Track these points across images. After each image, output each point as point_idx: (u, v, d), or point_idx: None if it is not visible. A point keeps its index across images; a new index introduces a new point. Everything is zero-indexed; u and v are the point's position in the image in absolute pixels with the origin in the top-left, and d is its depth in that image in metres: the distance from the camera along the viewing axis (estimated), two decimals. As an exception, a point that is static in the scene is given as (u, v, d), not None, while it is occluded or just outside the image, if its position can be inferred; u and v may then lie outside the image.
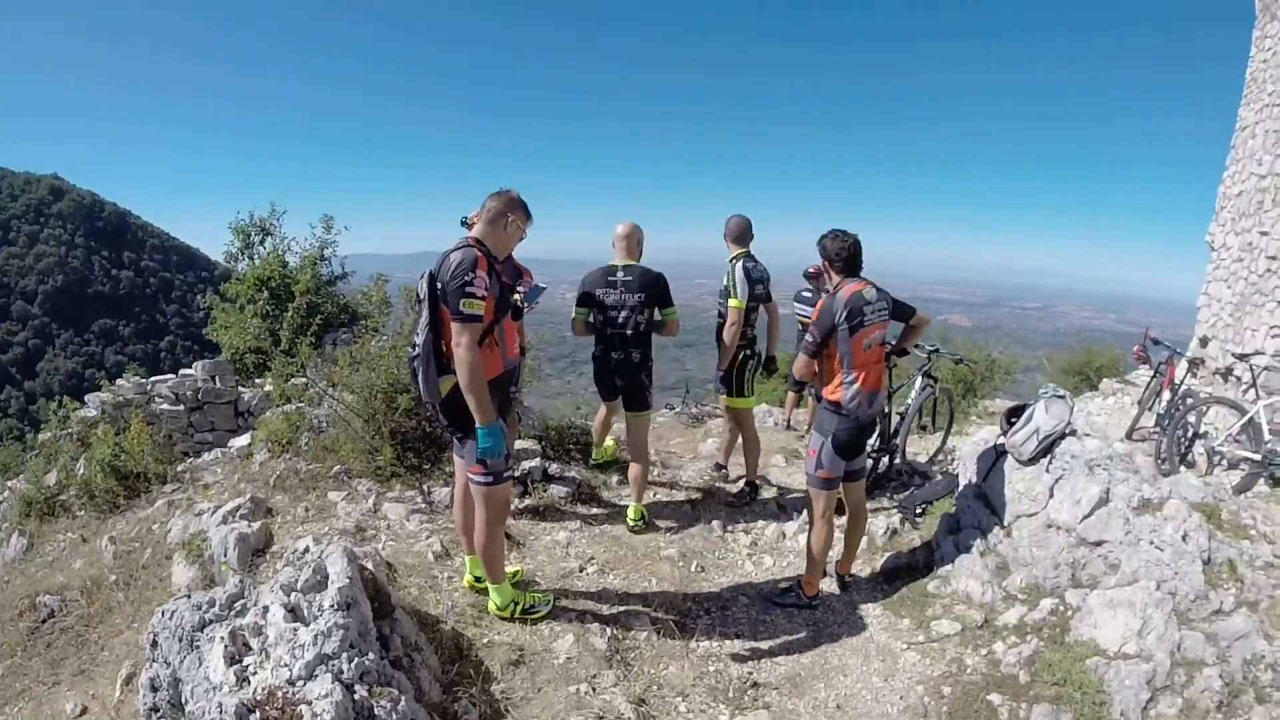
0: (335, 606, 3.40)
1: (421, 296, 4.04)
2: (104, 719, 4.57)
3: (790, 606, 5.34)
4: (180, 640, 3.52)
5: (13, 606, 6.23)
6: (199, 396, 10.79)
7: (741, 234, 6.64)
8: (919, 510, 6.48)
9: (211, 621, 3.57)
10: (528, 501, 6.37)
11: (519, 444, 7.17)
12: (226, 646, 3.25)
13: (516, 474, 6.52)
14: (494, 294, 3.97)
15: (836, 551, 5.60)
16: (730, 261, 6.54)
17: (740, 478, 7.27)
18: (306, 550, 4.11)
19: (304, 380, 7.61)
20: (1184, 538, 4.57)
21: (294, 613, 3.42)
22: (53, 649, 5.64)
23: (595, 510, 6.52)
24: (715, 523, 6.50)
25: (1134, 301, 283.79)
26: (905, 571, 5.78)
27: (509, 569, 4.92)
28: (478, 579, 4.76)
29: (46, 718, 4.91)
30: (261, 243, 14.14)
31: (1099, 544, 4.84)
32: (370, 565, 4.13)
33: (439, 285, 3.93)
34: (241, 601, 3.69)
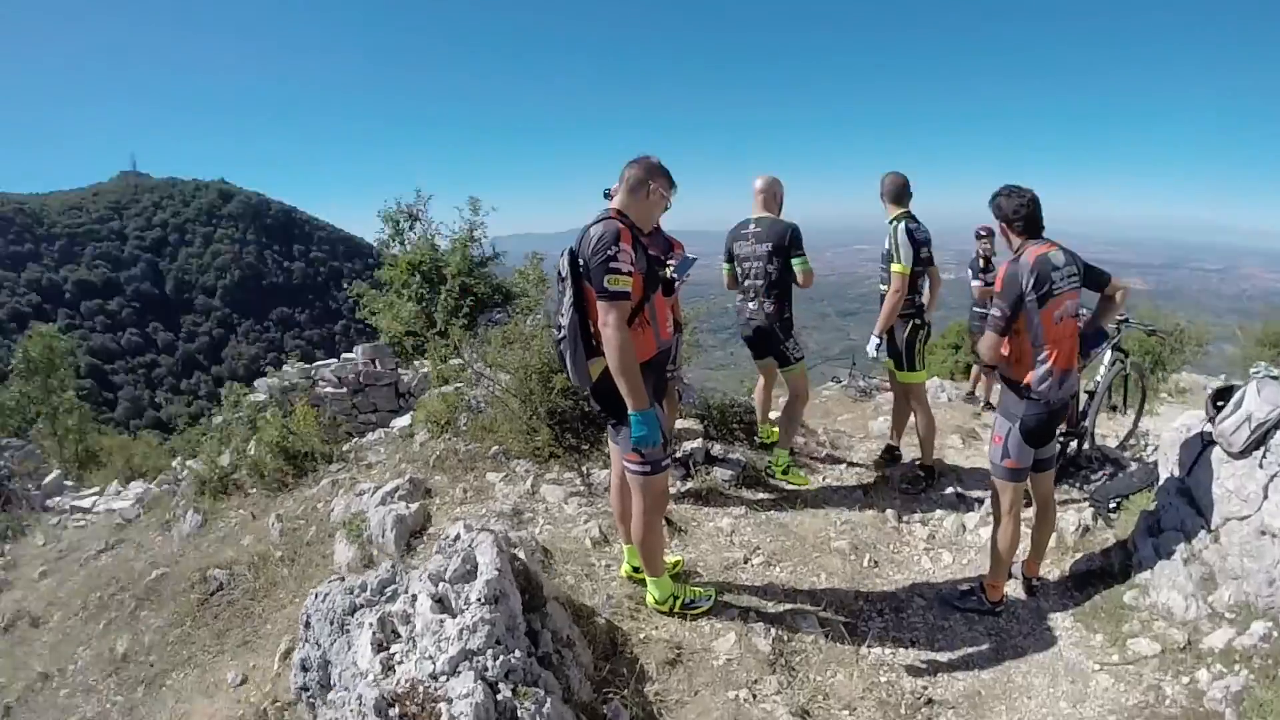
0: (482, 600, 3.25)
1: (564, 274, 3.74)
2: (262, 690, 4.65)
3: (971, 611, 4.79)
4: (332, 623, 3.55)
5: (185, 579, 6.46)
6: (360, 379, 11.02)
7: (899, 192, 6.08)
8: (1113, 505, 5.74)
9: (362, 606, 3.57)
10: (689, 485, 6.03)
11: (680, 424, 6.88)
12: (375, 633, 3.25)
13: (677, 456, 6.26)
14: (641, 269, 3.66)
15: (1022, 550, 4.97)
16: (890, 223, 6.01)
17: (915, 460, 6.74)
18: (458, 538, 3.94)
19: (459, 361, 7.58)
20: None
21: (441, 603, 3.32)
22: (219, 620, 5.83)
23: (761, 494, 6.14)
24: (889, 512, 6.03)
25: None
26: (1098, 576, 5.07)
27: (669, 559, 4.66)
28: (636, 569, 4.46)
29: (210, 685, 5.09)
30: (410, 228, 14.36)
31: (1322, 556, 4.10)
32: (523, 554, 3.98)
33: (581, 262, 3.63)
34: (393, 587, 3.65)
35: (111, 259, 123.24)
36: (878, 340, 6.14)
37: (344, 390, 10.91)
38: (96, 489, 10.69)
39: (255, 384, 11.28)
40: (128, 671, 5.73)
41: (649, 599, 4.29)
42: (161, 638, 5.91)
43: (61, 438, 12.54)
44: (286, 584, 5.90)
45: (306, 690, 3.58)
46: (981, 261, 9.47)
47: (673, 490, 5.88)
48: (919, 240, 5.95)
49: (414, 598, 3.37)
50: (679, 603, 4.25)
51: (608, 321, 3.51)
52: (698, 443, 6.50)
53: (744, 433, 7.20)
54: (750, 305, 6.15)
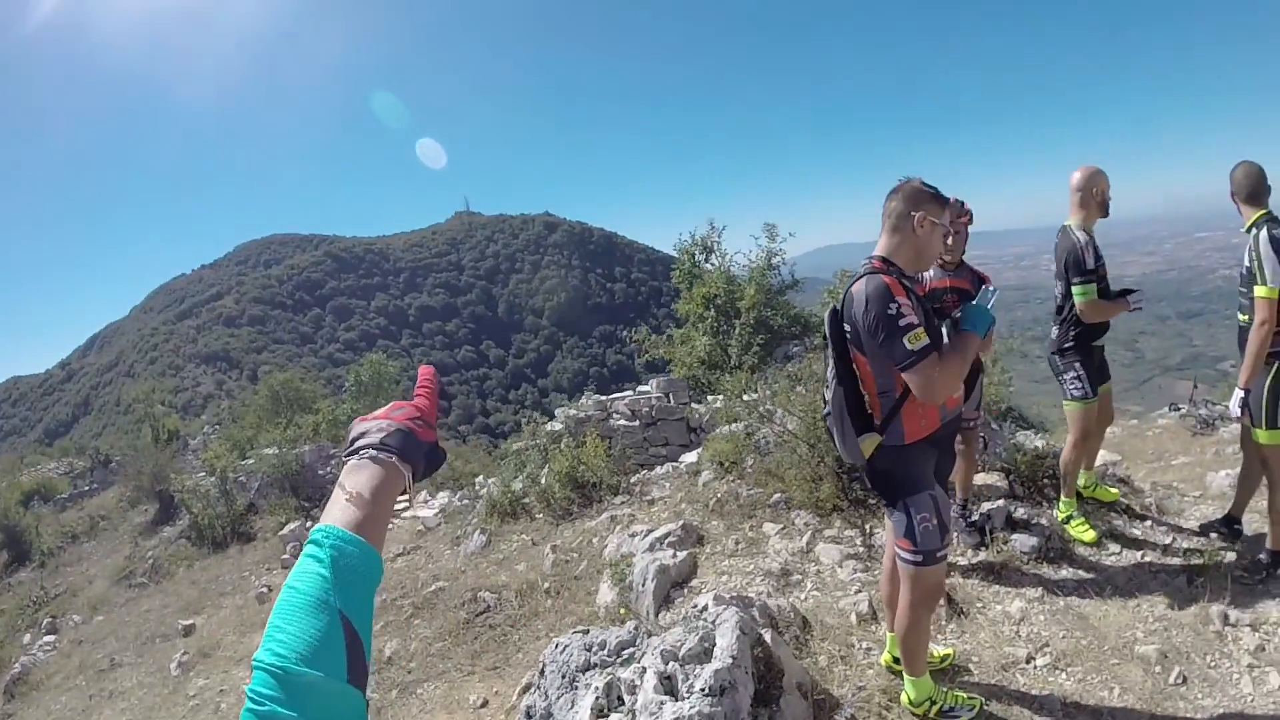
0: (706, 690, 3.03)
1: (826, 339, 3.31)
2: (497, 718, 4.71)
3: None
4: (564, 677, 3.51)
5: (459, 596, 6.82)
6: (653, 413, 11.12)
7: (1256, 188, 4.68)
8: None
9: (595, 666, 3.50)
10: (982, 556, 5.36)
11: (980, 479, 6.21)
12: (598, 698, 3.18)
13: (973, 519, 5.60)
14: (919, 322, 3.06)
15: None
16: (1249, 230, 4.65)
17: (1263, 548, 5.27)
18: (704, 610, 3.77)
19: (750, 399, 7.41)
20: None
21: (669, 682, 3.14)
22: (478, 641, 6.05)
23: (1064, 573, 5.26)
24: (1215, 609, 4.82)
25: None
26: None
27: (938, 652, 4.17)
28: (896, 660, 3.94)
29: (453, 701, 5.26)
30: (706, 260, 14.38)
31: None
32: (769, 636, 3.69)
33: (847, 328, 3.19)
34: (630, 650, 3.54)
35: (449, 287, 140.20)
36: (1242, 394, 4.78)
37: (636, 423, 11.04)
38: (408, 496, 11.40)
39: (556, 412, 11.71)
40: (388, 674, 6.06)
41: (904, 698, 3.79)
42: (425, 648, 6.24)
43: (386, 449, 13.79)
44: (546, 616, 6.01)
45: (525, 734, 3.57)
46: None
47: (963, 561, 5.32)
48: None
49: (644, 671, 3.23)
50: (936, 709, 3.70)
51: (925, 387, 3.02)
52: (999, 503, 5.75)
53: (1056, 492, 6.15)
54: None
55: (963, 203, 4.81)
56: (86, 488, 17.90)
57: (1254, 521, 5.74)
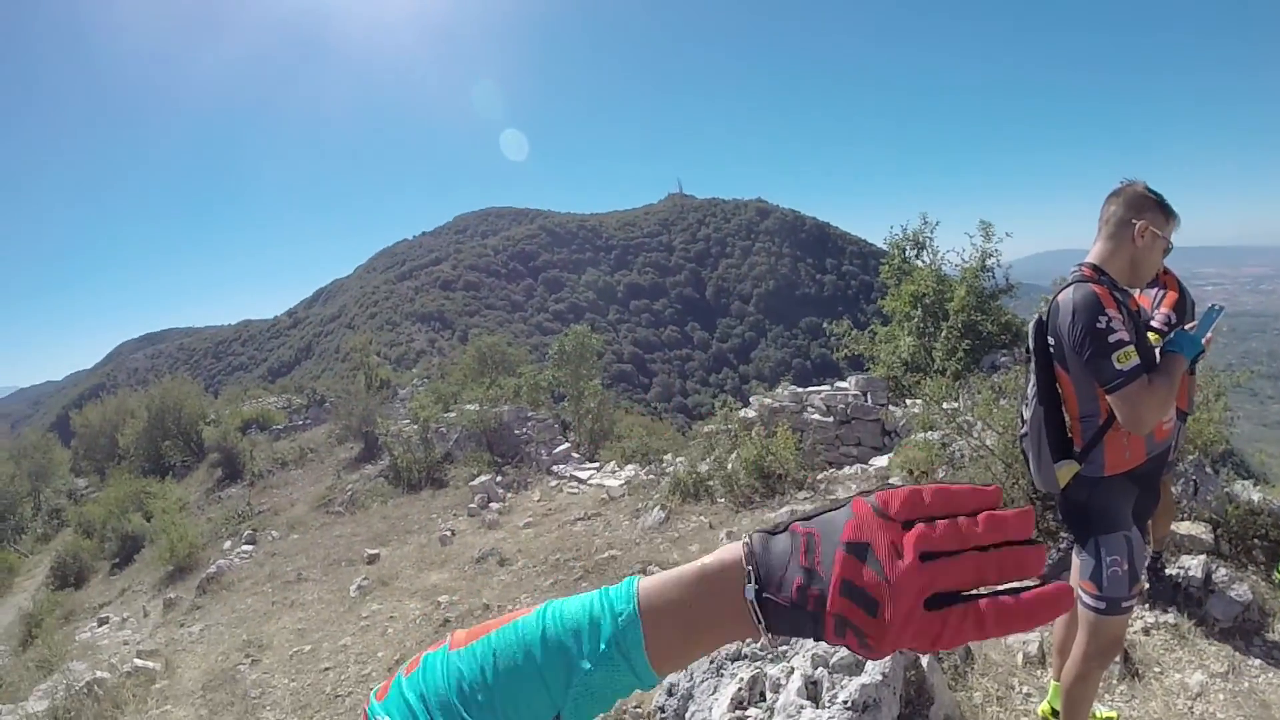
0: (849, 704, 2.92)
1: (1030, 351, 3.02)
2: (637, 693, 4.68)
3: None
4: (712, 661, 3.50)
5: (628, 566, 7.04)
6: (848, 411, 10.89)
7: None
8: None
9: (745, 657, 3.45)
10: (1170, 616, 4.82)
11: (1185, 529, 5.60)
12: (741, 689, 3.14)
13: (1169, 573, 5.06)
14: (1131, 341, 2.75)
15: None
16: None
17: None
18: None
19: (950, 407, 7.08)
20: None
21: (813, 687, 3.05)
22: None
23: (1255, 653, 4.60)
24: None
25: None
26: None
27: (1103, 713, 3.82)
28: (1055, 711, 3.62)
29: None
30: (916, 256, 13.83)
31: None
32: (926, 661, 3.50)
33: (1051, 340, 2.90)
34: (785, 647, 3.45)
35: (659, 266, 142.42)
36: None
37: (830, 419, 10.85)
38: (597, 464, 11.82)
39: (750, 399, 11.65)
40: None
41: None
42: None
43: (581, 416, 14.17)
44: None
45: (663, 712, 3.59)
46: None
47: (1149, 617, 4.83)
48: None
49: (791, 671, 3.16)
50: None
51: (1135, 415, 2.71)
52: (1198, 560, 5.12)
53: (1265, 555, 5.56)
54: None
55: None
56: (301, 422, 19.52)
57: None
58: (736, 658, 3.45)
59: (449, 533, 9.41)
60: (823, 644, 3.12)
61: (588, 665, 0.73)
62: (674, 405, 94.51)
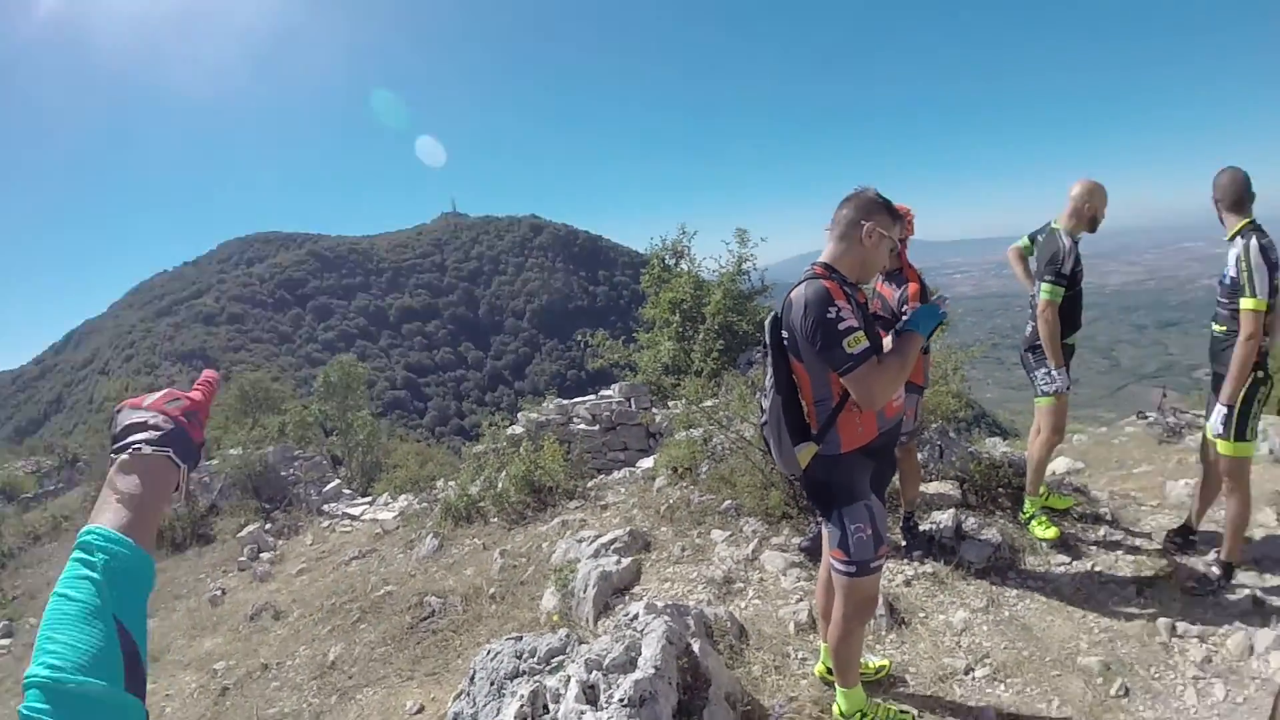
0: (625, 701, 2.96)
1: (766, 346, 3.21)
2: None
3: None
4: (492, 684, 3.48)
5: (405, 600, 6.76)
6: (613, 418, 11.11)
7: (1240, 195, 4.56)
8: None
9: (524, 673, 3.45)
10: (927, 566, 5.29)
11: (934, 488, 6.22)
12: (522, 705, 3.14)
13: (922, 529, 5.59)
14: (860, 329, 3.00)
15: None
16: (1235, 239, 4.54)
17: (1214, 552, 5.27)
18: (635, 618, 3.72)
19: (708, 405, 7.38)
20: None
21: (591, 691, 3.08)
22: (419, 646, 5.98)
23: (1011, 584, 5.21)
24: (1162, 621, 4.77)
25: None
26: None
27: (874, 663, 4.10)
28: (830, 670, 3.83)
29: (390, 708, 5.21)
30: (676, 264, 14.32)
31: None
32: (698, 646, 3.61)
33: (785, 334, 3.10)
34: (560, 658, 3.49)
35: (432, 287, 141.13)
36: (1225, 410, 4.67)
37: (596, 428, 11.05)
38: (369, 499, 11.51)
39: (518, 416, 11.68)
40: (331, 678, 6.01)
41: (835, 709, 3.69)
42: (368, 653, 6.17)
43: (351, 450, 13.72)
44: (489, 622, 5.94)
45: (452, 740, 3.52)
46: None
47: (909, 569, 5.27)
48: (1274, 261, 4.45)
49: (568, 679, 3.17)
50: None
51: (869, 394, 2.96)
52: (948, 514, 5.71)
53: (1010, 501, 6.21)
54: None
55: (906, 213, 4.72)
56: (53, 487, 17.77)
57: (1208, 529, 5.70)
58: (515, 675, 3.43)
59: (219, 592, 8.82)
60: (596, 649, 3.21)
61: (102, 562, 0.98)
62: (450, 428, 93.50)
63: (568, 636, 3.64)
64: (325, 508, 11.26)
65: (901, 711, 3.72)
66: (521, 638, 3.72)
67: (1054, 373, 5.22)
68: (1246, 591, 5.07)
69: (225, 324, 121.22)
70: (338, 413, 14.96)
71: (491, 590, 6.37)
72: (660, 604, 3.94)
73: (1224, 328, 4.71)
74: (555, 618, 5.21)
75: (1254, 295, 4.38)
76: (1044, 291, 5.01)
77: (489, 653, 3.62)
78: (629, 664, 3.20)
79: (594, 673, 3.15)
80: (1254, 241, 4.40)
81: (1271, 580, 5.18)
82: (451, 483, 9.96)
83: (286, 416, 15.56)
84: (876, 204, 3.18)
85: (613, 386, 11.94)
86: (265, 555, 9.80)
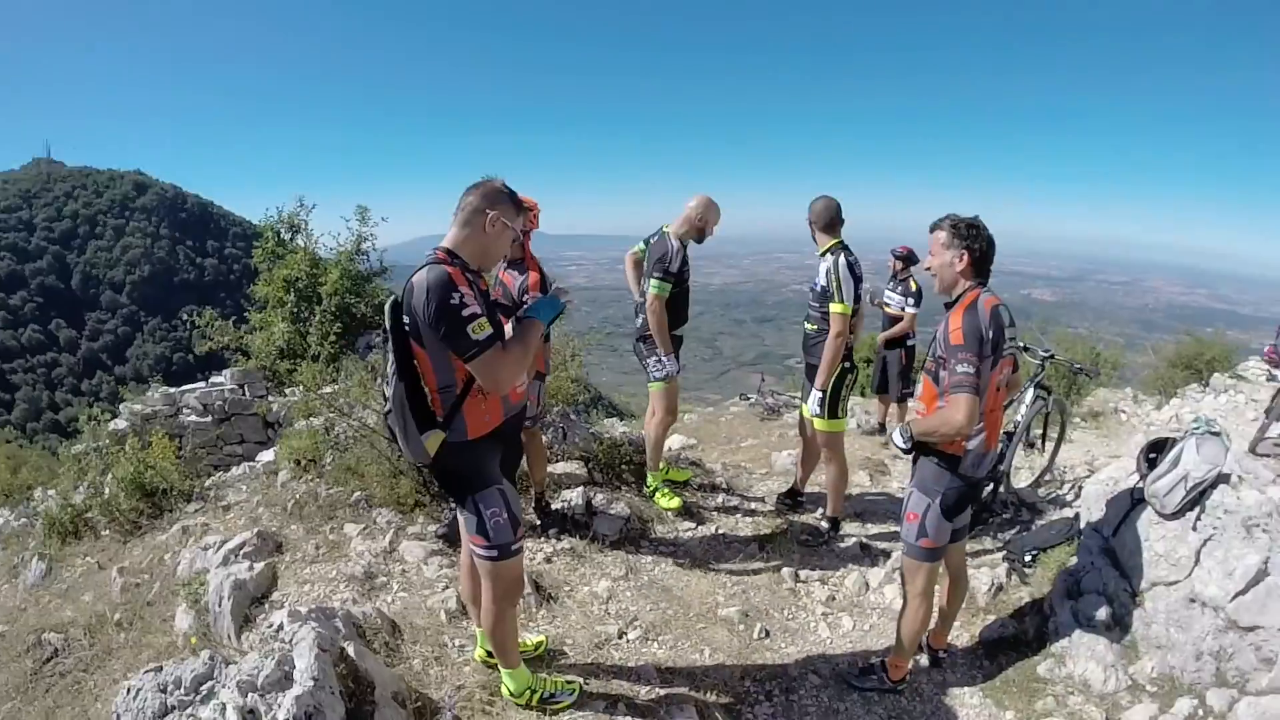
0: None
1: (387, 331, 3.12)
2: None
3: (871, 691, 4.33)
4: None
5: (20, 642, 5.76)
6: (227, 407, 10.33)
7: (832, 220, 5.48)
8: (1030, 558, 5.37)
9: (174, 708, 3.12)
10: (565, 543, 5.50)
11: (560, 468, 6.42)
12: None
13: (554, 508, 5.82)
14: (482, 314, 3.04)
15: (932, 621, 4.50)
16: (826, 255, 5.46)
17: (820, 510, 6.26)
18: (280, 628, 3.49)
19: (329, 391, 6.98)
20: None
21: (252, 715, 2.90)
22: (50, 694, 5.18)
23: (645, 552, 5.64)
24: (786, 570, 5.53)
25: (1225, 277, 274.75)
26: (1011, 644, 4.72)
27: (530, 640, 4.17)
28: (490, 654, 3.89)
29: None
30: (292, 239, 13.43)
31: (1252, 629, 3.88)
32: (353, 649, 3.45)
33: (407, 320, 3.02)
34: (210, 684, 3.17)
35: (18, 251, 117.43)
36: (820, 394, 5.56)
37: (209, 419, 10.23)
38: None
39: (120, 408, 10.48)
40: None
41: (504, 690, 3.73)
42: None
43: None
44: (121, 653, 5.27)
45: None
46: (914, 287, 8.49)
47: (548, 547, 5.43)
48: (859, 276, 5.46)
49: (224, 706, 2.94)
50: (536, 696, 3.68)
51: (494, 378, 3.00)
52: (578, 492, 6.00)
53: (634, 476, 6.67)
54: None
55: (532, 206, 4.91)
56: None
57: (814, 491, 6.58)
58: (164, 712, 3.08)
59: None
60: (246, 669, 3.02)
61: None
62: (45, 424, 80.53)
63: (212, 659, 3.32)
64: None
65: (568, 682, 3.82)
66: (162, 668, 3.34)
67: (664, 360, 5.74)
68: (854, 539, 6.06)
69: None
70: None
71: (117, 617, 5.62)
72: (304, 609, 3.75)
73: (815, 326, 5.63)
74: (194, 640, 4.70)
75: (842, 301, 5.35)
76: (653, 287, 5.52)
77: (130, 691, 3.22)
78: (285, 680, 3.03)
79: (250, 695, 2.95)
80: (842, 258, 5.38)
81: (873, 529, 6.34)
82: (51, 492, 8.85)
83: None
84: (502, 194, 3.22)
85: (224, 372, 11.11)
86: None
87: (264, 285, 13.02)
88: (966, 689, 4.40)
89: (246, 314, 13.65)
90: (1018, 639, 4.74)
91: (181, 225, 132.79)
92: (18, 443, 25.68)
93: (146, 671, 3.30)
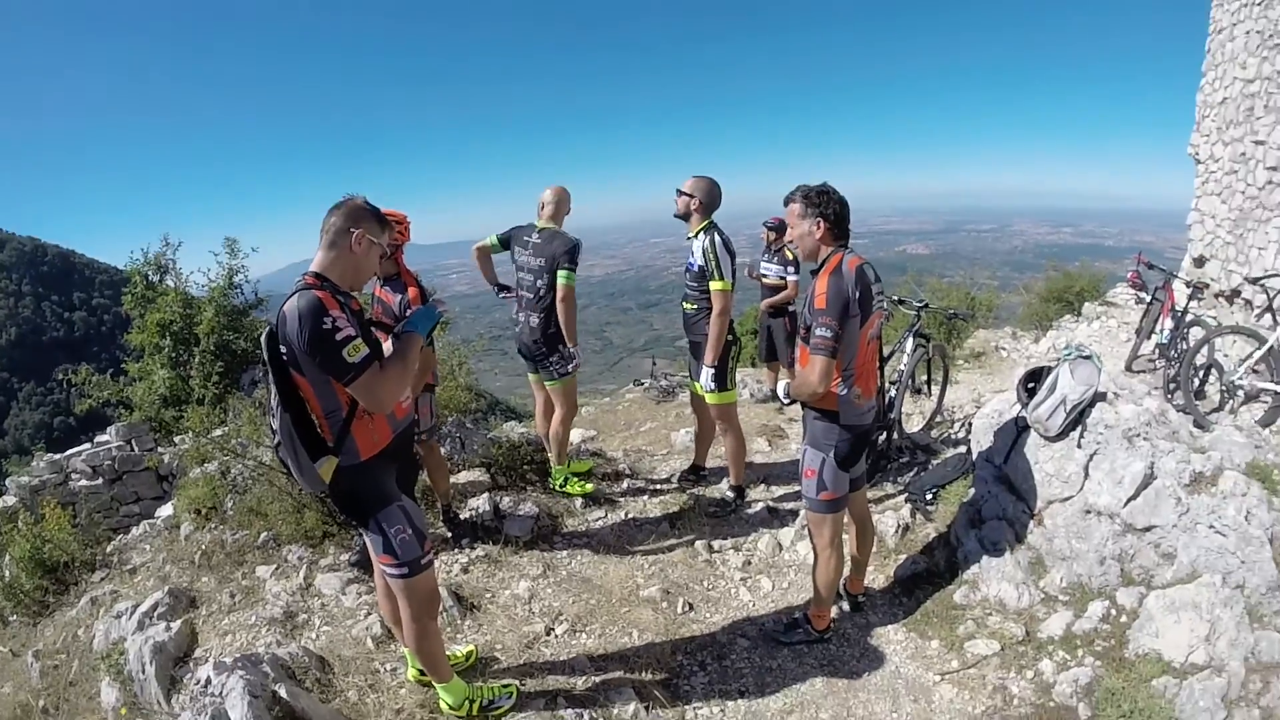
0: None
1: (266, 363, 3.11)
2: None
3: (799, 644, 4.51)
4: None
5: None
6: (116, 466, 10.02)
7: (715, 200, 5.53)
8: (930, 497, 5.66)
9: None
10: (479, 551, 5.52)
11: (464, 476, 6.42)
12: None
13: (462, 518, 5.82)
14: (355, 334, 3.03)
15: (845, 569, 4.72)
16: (699, 235, 5.50)
17: (724, 480, 6.41)
18: (207, 683, 3.44)
19: (219, 434, 6.85)
20: (1247, 517, 3.94)
21: None
22: None
23: (560, 548, 5.68)
24: (699, 543, 5.66)
25: (1088, 214, 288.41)
26: (925, 578, 4.98)
27: (459, 651, 4.20)
28: (422, 672, 3.91)
29: None
30: (160, 281, 13.01)
31: (1148, 530, 4.20)
32: (285, 691, 3.44)
33: (284, 349, 3.01)
34: None
35: None
36: (713, 370, 5.58)
37: (99, 481, 9.89)
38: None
39: (8, 482, 10.08)
40: None
41: (443, 705, 3.74)
42: None
43: None
44: None
45: None
46: (790, 256, 8.52)
47: (462, 557, 5.44)
48: (733, 252, 5.50)
49: None
50: (476, 706, 3.71)
51: (375, 398, 2.99)
52: (484, 498, 6.03)
53: (537, 475, 6.72)
54: (520, 316, 5.80)
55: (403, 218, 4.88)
56: None
57: (716, 465, 6.71)
58: None
59: None
60: None
61: None
62: None
63: None
64: None
65: (504, 686, 3.87)
66: None
67: (571, 351, 5.75)
68: (761, 504, 6.24)
69: None
70: None
71: (41, 703, 5.39)
72: (229, 660, 3.68)
73: (694, 305, 5.71)
74: (123, 711, 4.60)
75: (723, 278, 5.38)
76: (565, 277, 5.49)
77: None
78: None
79: None
80: (716, 236, 5.43)
81: (778, 491, 6.53)
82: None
83: None
84: (365, 211, 3.19)
85: (109, 430, 10.73)
86: None
87: (138, 333, 12.56)
88: (890, 626, 4.64)
89: (124, 365, 13.14)
90: (930, 573, 5.01)
91: (44, 280, 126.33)
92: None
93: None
